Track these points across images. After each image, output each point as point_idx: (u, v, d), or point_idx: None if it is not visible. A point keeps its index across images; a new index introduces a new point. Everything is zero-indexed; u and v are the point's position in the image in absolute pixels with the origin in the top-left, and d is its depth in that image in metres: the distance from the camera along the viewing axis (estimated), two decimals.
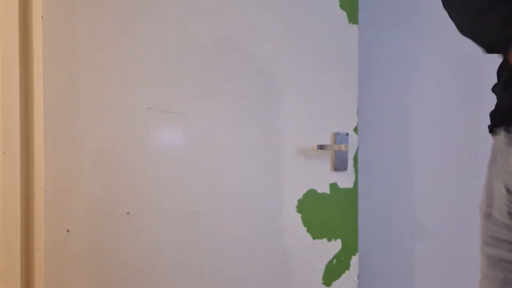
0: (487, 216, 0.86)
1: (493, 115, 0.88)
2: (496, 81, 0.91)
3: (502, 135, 0.84)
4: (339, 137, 1.56)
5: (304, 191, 1.54)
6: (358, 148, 1.61)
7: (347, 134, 1.57)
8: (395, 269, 1.88)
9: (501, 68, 0.87)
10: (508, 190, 0.81)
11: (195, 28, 1.41)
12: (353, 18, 1.59)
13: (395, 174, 1.88)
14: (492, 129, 0.88)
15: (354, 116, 1.60)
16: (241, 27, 1.47)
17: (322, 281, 1.56)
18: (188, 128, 1.42)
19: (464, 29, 0.86)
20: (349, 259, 1.60)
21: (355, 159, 1.59)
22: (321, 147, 1.52)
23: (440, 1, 0.90)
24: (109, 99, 1.33)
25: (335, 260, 1.58)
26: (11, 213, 1.30)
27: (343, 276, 1.59)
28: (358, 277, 1.61)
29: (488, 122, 0.97)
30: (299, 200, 1.53)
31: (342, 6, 1.58)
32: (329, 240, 1.57)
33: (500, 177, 0.83)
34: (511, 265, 0.82)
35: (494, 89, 0.89)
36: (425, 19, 1.87)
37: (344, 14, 1.58)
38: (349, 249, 1.60)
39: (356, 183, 1.60)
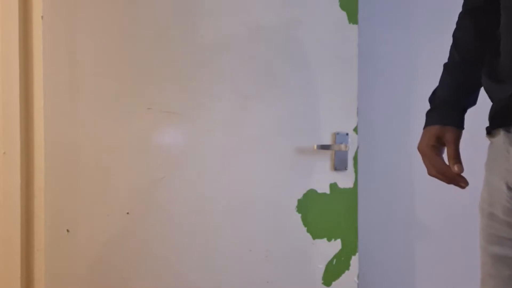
0: (490, 215, 0.87)
1: (493, 117, 0.90)
2: None
3: (501, 135, 0.86)
4: (339, 137, 1.56)
5: (304, 191, 1.54)
6: (358, 148, 1.61)
7: (347, 134, 1.57)
8: (395, 269, 1.88)
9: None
10: (509, 188, 0.83)
11: (195, 28, 1.41)
12: (353, 18, 1.59)
13: (395, 174, 1.87)
14: (490, 131, 0.91)
15: (354, 116, 1.60)
16: (241, 27, 1.47)
17: (322, 281, 1.56)
18: (188, 128, 1.42)
19: None
20: (349, 259, 1.60)
21: (355, 159, 1.59)
22: (321, 147, 1.52)
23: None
24: (109, 99, 1.33)
25: (335, 260, 1.58)
26: (11, 214, 1.30)
27: (343, 276, 1.59)
28: (358, 277, 1.61)
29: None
30: (299, 200, 1.53)
31: (342, 6, 1.58)
32: (329, 240, 1.57)
33: (501, 174, 0.85)
34: None
35: (492, 92, 0.91)
36: (425, 19, 1.87)
37: (344, 14, 1.58)
38: (349, 249, 1.60)
39: (356, 183, 1.60)
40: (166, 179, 1.38)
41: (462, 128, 1.00)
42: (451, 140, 0.98)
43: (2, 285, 1.31)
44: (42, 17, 1.26)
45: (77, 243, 1.30)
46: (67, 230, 1.29)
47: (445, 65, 1.06)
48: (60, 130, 1.29)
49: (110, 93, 1.33)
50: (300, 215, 1.53)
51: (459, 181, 0.96)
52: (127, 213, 1.34)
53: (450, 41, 1.10)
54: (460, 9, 1.06)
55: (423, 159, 1.02)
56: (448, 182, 0.99)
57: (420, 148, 1.02)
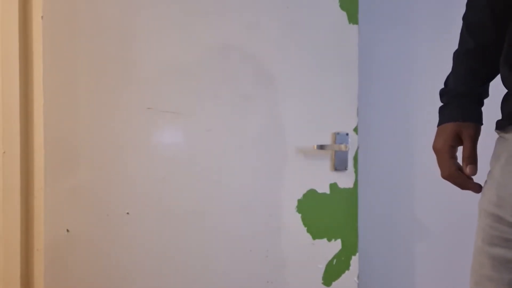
0: (495, 216, 0.82)
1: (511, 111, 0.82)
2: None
3: None
4: (339, 137, 1.56)
5: (304, 191, 1.54)
6: (358, 148, 1.61)
7: (347, 134, 1.57)
8: (395, 269, 1.88)
9: None
10: None
11: (195, 28, 1.41)
12: (353, 18, 1.59)
13: (395, 174, 1.88)
14: (504, 126, 0.84)
15: (354, 116, 1.60)
16: (241, 27, 1.47)
17: (322, 281, 1.56)
18: (188, 128, 1.42)
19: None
20: (349, 259, 1.60)
21: (355, 159, 1.59)
22: (321, 147, 1.52)
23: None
24: (109, 99, 1.33)
25: (335, 260, 1.58)
26: (11, 213, 1.29)
27: (343, 276, 1.59)
28: (358, 277, 1.61)
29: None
30: (299, 200, 1.53)
31: (342, 6, 1.58)
32: (329, 240, 1.57)
33: None
34: None
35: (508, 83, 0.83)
36: (425, 19, 1.87)
37: (344, 14, 1.58)
38: (349, 249, 1.60)
39: (356, 183, 1.60)
40: (166, 179, 1.38)
41: (482, 123, 0.93)
42: (469, 138, 0.90)
43: (2, 285, 1.31)
44: (42, 17, 1.26)
45: (77, 243, 1.30)
46: (67, 230, 1.29)
47: (457, 53, 0.97)
48: (60, 130, 1.29)
49: (110, 93, 1.33)
50: (300, 215, 1.53)
51: (471, 188, 0.90)
52: (127, 213, 1.34)
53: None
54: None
55: (438, 160, 0.93)
56: (461, 188, 0.92)
57: (435, 148, 0.93)
